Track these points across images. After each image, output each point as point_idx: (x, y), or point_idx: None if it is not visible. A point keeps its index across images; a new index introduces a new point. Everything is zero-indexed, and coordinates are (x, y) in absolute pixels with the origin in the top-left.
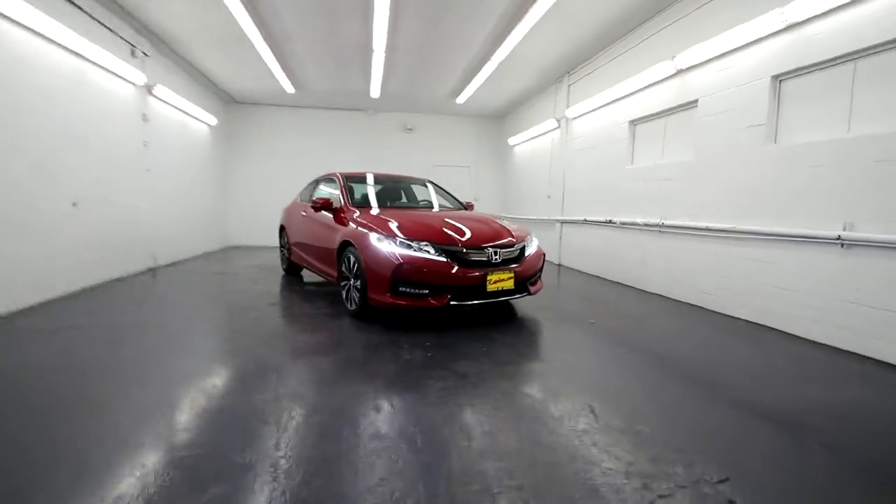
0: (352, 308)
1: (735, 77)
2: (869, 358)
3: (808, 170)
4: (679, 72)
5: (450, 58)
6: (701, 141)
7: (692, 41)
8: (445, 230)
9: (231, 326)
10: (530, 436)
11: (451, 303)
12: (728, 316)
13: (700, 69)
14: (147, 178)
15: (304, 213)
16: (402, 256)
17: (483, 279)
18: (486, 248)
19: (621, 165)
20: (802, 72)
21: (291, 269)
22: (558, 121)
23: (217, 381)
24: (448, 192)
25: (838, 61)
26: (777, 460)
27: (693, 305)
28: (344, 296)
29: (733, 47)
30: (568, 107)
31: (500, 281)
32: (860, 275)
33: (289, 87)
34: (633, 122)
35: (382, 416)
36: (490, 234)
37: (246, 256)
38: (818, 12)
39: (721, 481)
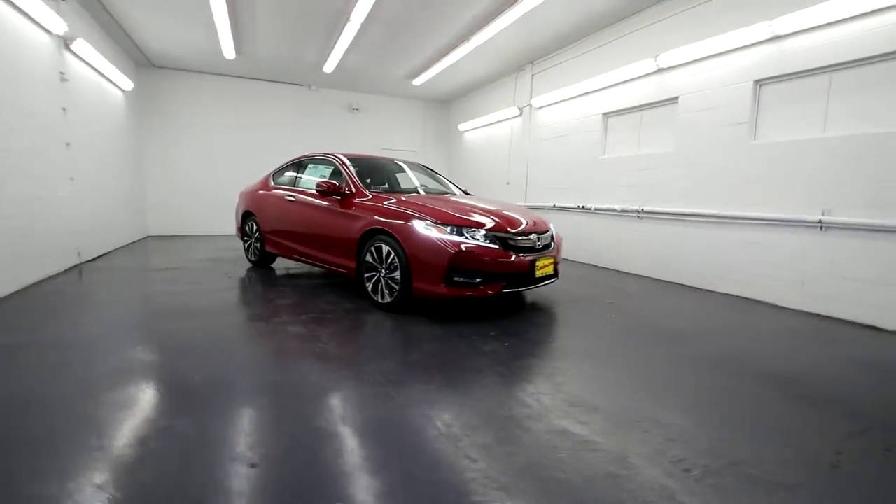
0: (384, 301)
1: (719, 79)
2: (845, 321)
3: (788, 163)
4: (660, 70)
5: (426, 36)
6: (682, 134)
7: (675, 42)
8: (494, 217)
9: (256, 351)
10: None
11: (504, 290)
12: (714, 292)
13: (682, 69)
14: (67, 155)
15: (290, 198)
16: (458, 244)
17: (532, 265)
18: (531, 234)
19: (594, 155)
20: (784, 79)
21: (263, 260)
22: (520, 109)
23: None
24: (446, 178)
25: (817, 72)
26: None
27: (677, 284)
28: (370, 288)
29: (718, 51)
30: (532, 96)
31: (545, 266)
32: (836, 252)
33: (229, 52)
34: (607, 115)
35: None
36: (530, 220)
37: (182, 248)
38: (803, 28)
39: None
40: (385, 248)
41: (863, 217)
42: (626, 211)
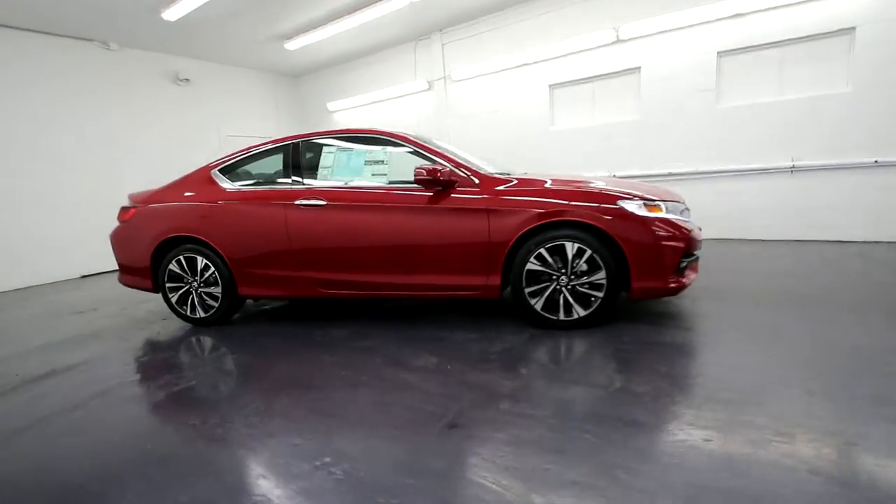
0: (571, 317)
1: (683, 49)
2: (815, 240)
3: (754, 123)
4: (618, 41)
5: None
6: (645, 102)
7: (635, 15)
8: (646, 190)
9: None
10: None
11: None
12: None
13: (644, 40)
14: None
15: (304, 204)
16: (681, 224)
17: None
18: None
19: (543, 127)
20: (745, 51)
21: (226, 313)
22: (430, 83)
23: None
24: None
25: (773, 45)
26: None
27: None
28: (539, 305)
29: (683, 25)
30: (446, 69)
31: None
32: (804, 189)
33: None
34: (553, 86)
35: None
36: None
37: None
38: (762, 7)
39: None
40: (572, 246)
41: (822, 160)
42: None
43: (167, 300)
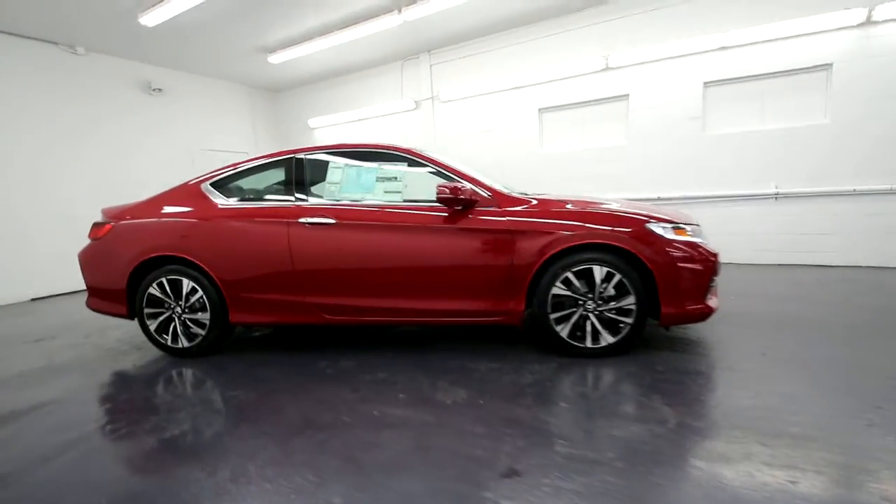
0: (598, 345)
1: (670, 78)
2: (799, 265)
3: (738, 151)
4: (607, 69)
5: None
6: (633, 128)
7: (623, 43)
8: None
9: None
10: None
11: None
12: None
13: (633, 69)
14: None
15: (310, 222)
16: (709, 247)
17: None
18: None
19: (532, 149)
20: (729, 82)
21: (214, 342)
22: (417, 102)
23: None
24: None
25: (755, 78)
26: None
27: None
28: (565, 332)
29: (671, 55)
30: (434, 89)
31: None
32: (788, 215)
33: None
34: (543, 110)
35: None
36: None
37: None
38: (747, 42)
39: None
40: (601, 270)
41: (804, 188)
42: None
43: (144, 328)
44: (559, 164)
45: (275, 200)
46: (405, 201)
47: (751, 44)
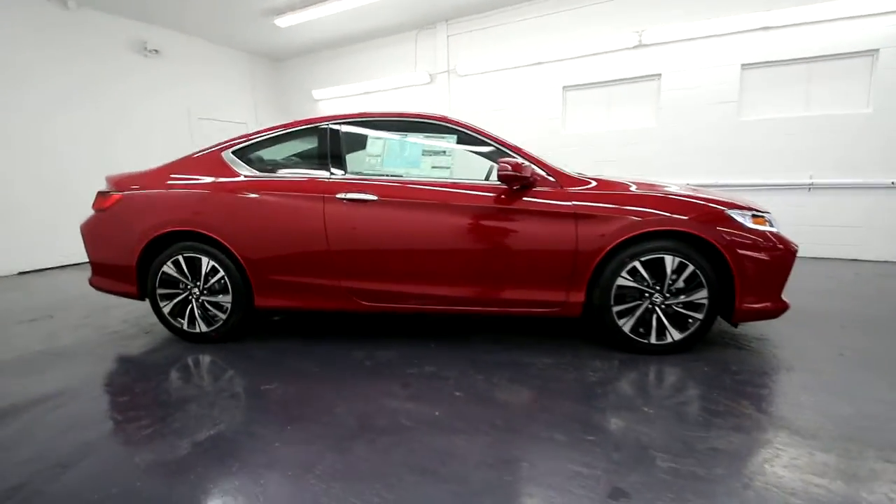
0: (665, 340)
1: (706, 59)
2: (831, 258)
3: (773, 138)
4: (640, 45)
5: None
6: (664, 110)
7: (657, 19)
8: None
9: None
10: None
11: None
12: None
13: (666, 47)
14: None
15: (353, 198)
16: (789, 239)
17: None
18: None
19: (554, 129)
20: (769, 65)
21: (235, 328)
22: (432, 76)
23: None
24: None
25: (800, 62)
26: None
27: None
28: (628, 327)
29: (709, 34)
30: (451, 62)
31: None
32: (820, 206)
33: None
34: (567, 88)
35: None
36: None
37: None
38: (791, 23)
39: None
40: (673, 261)
41: (838, 178)
42: None
43: (157, 310)
44: (583, 145)
45: (307, 172)
46: (452, 178)
47: (795, 24)
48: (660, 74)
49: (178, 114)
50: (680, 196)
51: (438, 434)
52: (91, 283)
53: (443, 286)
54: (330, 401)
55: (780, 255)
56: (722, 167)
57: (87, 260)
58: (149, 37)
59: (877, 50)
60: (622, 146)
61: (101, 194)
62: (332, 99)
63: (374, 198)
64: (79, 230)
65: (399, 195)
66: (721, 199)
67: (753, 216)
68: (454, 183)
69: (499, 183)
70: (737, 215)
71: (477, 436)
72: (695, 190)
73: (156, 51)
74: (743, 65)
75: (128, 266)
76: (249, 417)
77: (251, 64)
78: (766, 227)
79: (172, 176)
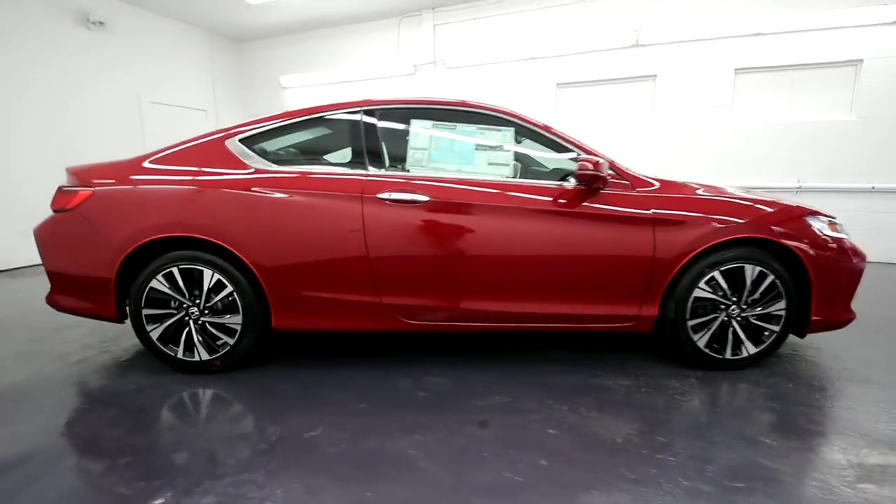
0: (743, 354)
1: (701, 62)
2: None
3: (764, 141)
4: (637, 45)
5: None
6: (658, 110)
7: (656, 19)
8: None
9: None
10: None
11: None
12: None
13: (663, 47)
14: None
15: (393, 198)
16: (859, 247)
17: None
18: None
19: None
20: (760, 70)
21: (246, 355)
22: (416, 67)
23: None
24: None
25: (789, 69)
26: None
27: None
28: (703, 342)
29: (705, 37)
30: (437, 53)
31: None
32: None
33: None
34: (561, 85)
35: None
36: None
37: None
38: (782, 30)
39: None
40: (753, 270)
41: (823, 183)
42: None
43: (142, 335)
44: None
45: (335, 168)
46: (513, 178)
47: (786, 32)
48: (655, 75)
49: (128, 98)
50: (758, 201)
51: (564, 495)
52: (50, 302)
53: (506, 301)
54: (400, 450)
55: (854, 263)
56: (714, 169)
57: (45, 272)
58: (92, 7)
59: (861, 60)
60: (614, 145)
61: (62, 191)
62: (303, 87)
63: (426, 199)
64: (32, 235)
65: (457, 196)
66: (795, 204)
67: (830, 223)
68: (518, 184)
69: (564, 183)
70: (814, 222)
71: (613, 493)
72: (752, 193)
73: (100, 23)
74: (736, 69)
75: (103, 280)
76: (309, 484)
77: (210, 42)
78: (838, 234)
79: (159, 168)
